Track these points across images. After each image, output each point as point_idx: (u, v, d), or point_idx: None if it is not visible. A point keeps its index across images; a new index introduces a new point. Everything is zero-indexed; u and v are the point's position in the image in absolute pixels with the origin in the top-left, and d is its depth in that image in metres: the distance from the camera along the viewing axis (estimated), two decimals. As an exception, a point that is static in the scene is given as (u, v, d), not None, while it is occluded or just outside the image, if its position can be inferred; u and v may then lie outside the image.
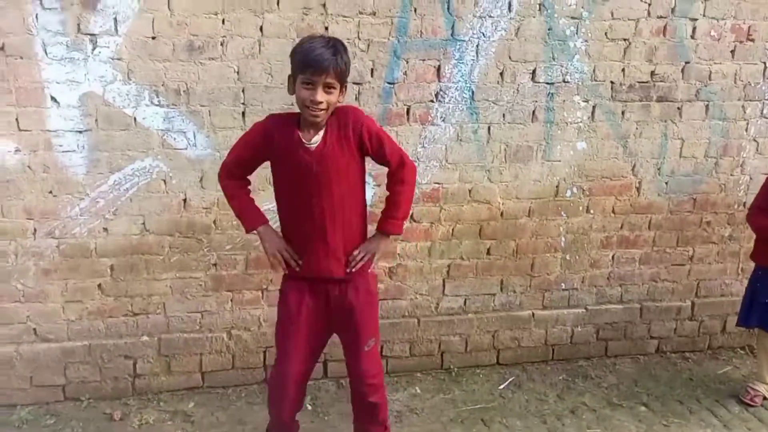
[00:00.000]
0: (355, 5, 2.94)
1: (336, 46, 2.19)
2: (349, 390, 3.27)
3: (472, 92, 3.19)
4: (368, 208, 3.11)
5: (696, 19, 3.31)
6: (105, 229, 2.97)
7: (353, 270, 2.39)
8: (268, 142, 2.31)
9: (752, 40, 3.40)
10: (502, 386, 3.42)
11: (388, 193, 2.46)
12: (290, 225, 2.40)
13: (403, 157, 2.41)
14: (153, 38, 2.80)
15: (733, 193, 3.63)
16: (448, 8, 3.04)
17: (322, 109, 2.20)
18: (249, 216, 2.43)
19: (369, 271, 2.52)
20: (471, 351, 3.55)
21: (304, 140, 2.26)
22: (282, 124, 2.31)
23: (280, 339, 2.48)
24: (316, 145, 2.27)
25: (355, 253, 2.39)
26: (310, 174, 2.27)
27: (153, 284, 3.08)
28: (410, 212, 2.45)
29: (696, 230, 3.65)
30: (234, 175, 2.42)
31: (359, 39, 2.99)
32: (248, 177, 2.46)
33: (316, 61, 2.14)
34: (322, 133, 2.27)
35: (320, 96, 2.17)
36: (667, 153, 3.48)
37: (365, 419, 2.61)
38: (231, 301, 3.20)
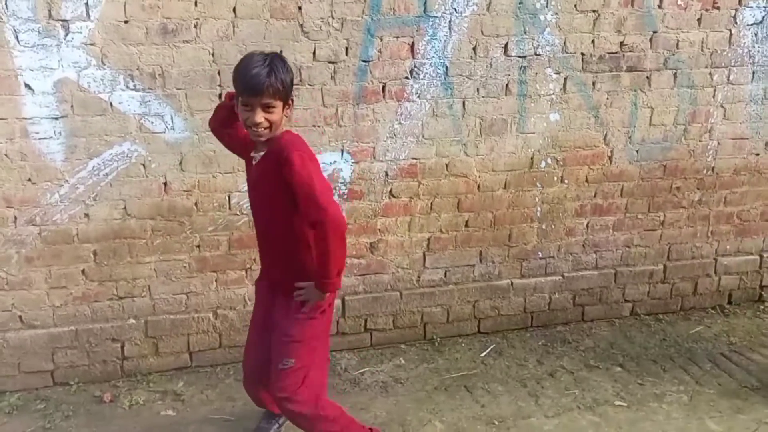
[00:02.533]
0: (328, -16, 2.95)
1: (273, 65, 2.14)
2: (335, 365, 3.37)
3: (446, 68, 3.23)
4: (345, 186, 3.21)
5: (663, -11, 3.38)
6: (86, 215, 2.98)
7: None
8: (246, 153, 2.42)
9: (718, 8, 3.48)
10: (483, 354, 3.52)
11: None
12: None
13: (323, 212, 2.15)
14: (126, 22, 2.79)
15: (701, 158, 3.73)
16: (420, -16, 3.07)
17: (264, 128, 2.19)
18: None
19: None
20: (452, 321, 3.64)
21: (252, 153, 2.34)
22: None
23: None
24: (258, 158, 2.32)
25: (297, 291, 2.33)
26: (255, 186, 2.39)
27: (137, 268, 3.11)
28: (342, 267, 2.27)
29: (666, 196, 3.75)
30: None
31: (333, 18, 3.00)
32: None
33: (251, 83, 2.12)
34: (264, 151, 2.29)
35: (259, 117, 2.15)
36: (637, 122, 3.57)
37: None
38: (216, 281, 3.24)
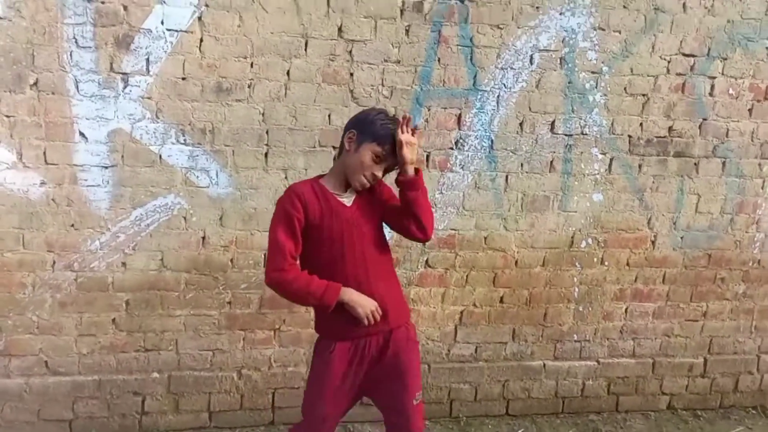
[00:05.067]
0: (381, 53, 3.00)
1: None
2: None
3: (492, 141, 3.23)
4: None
5: (714, 77, 3.36)
6: (123, 264, 2.98)
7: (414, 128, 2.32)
8: (313, 210, 2.28)
9: (769, 100, 3.45)
10: (512, 438, 3.38)
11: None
12: (339, 280, 2.31)
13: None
14: (183, 79, 2.86)
15: (747, 250, 3.62)
16: (471, 59, 3.10)
17: (374, 182, 2.34)
18: (327, 289, 2.27)
19: (410, 322, 2.49)
20: (480, 400, 3.51)
21: (339, 197, 2.33)
22: (311, 191, 2.31)
23: (316, 405, 2.38)
24: (352, 199, 2.36)
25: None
26: (348, 229, 2.30)
27: (167, 320, 3.08)
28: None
29: (710, 286, 3.63)
30: (294, 262, 2.28)
31: (383, 86, 3.04)
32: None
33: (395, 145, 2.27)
34: (353, 193, 2.38)
35: (381, 173, 2.32)
36: (683, 208, 3.50)
37: None
38: (243, 340, 3.18)
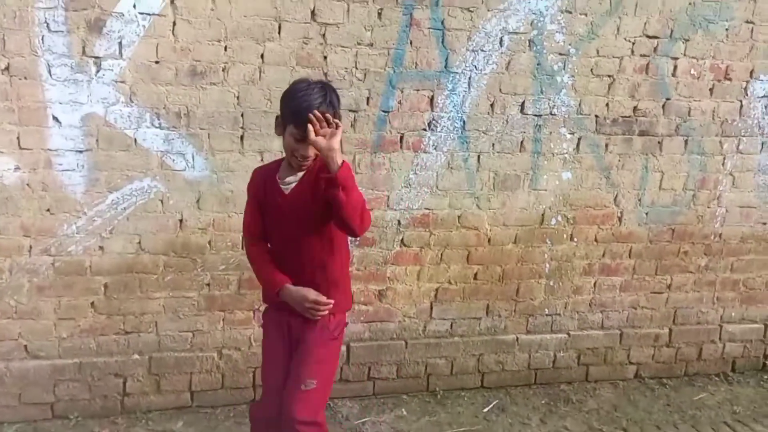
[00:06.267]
0: (354, 36, 3.04)
1: (331, 101, 2.16)
2: (336, 412, 3.33)
3: (464, 122, 3.30)
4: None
5: (677, 58, 3.47)
6: (101, 248, 3.00)
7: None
8: (259, 192, 2.37)
9: (730, 79, 3.57)
10: (486, 409, 3.49)
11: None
12: (276, 261, 2.39)
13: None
14: (156, 62, 2.86)
15: (709, 224, 3.77)
16: (443, 42, 3.16)
17: (311, 160, 2.25)
18: (268, 284, 2.38)
19: (337, 315, 2.42)
20: (456, 374, 3.62)
21: (281, 184, 2.30)
22: (265, 172, 2.41)
23: (263, 375, 2.53)
24: (291, 187, 2.29)
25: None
26: (283, 216, 2.31)
27: (146, 303, 3.11)
28: (348, 206, 2.14)
29: (674, 259, 3.78)
30: (255, 239, 2.42)
31: (356, 68, 3.08)
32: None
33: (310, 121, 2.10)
34: (300, 175, 2.29)
35: (310, 152, 2.21)
36: (648, 185, 3.62)
37: None
38: (223, 320, 3.23)
